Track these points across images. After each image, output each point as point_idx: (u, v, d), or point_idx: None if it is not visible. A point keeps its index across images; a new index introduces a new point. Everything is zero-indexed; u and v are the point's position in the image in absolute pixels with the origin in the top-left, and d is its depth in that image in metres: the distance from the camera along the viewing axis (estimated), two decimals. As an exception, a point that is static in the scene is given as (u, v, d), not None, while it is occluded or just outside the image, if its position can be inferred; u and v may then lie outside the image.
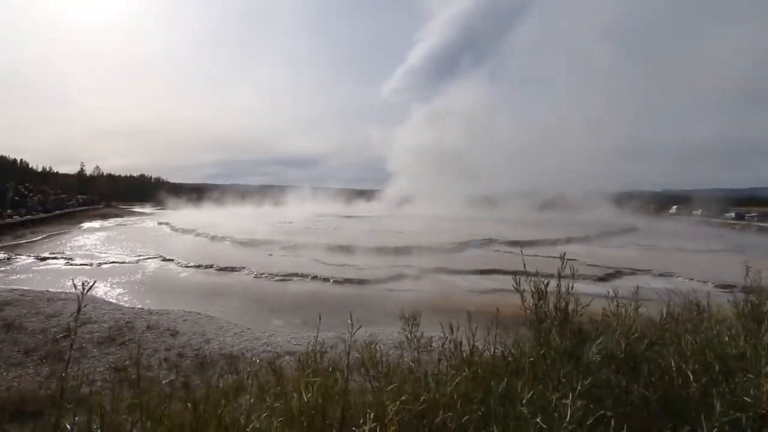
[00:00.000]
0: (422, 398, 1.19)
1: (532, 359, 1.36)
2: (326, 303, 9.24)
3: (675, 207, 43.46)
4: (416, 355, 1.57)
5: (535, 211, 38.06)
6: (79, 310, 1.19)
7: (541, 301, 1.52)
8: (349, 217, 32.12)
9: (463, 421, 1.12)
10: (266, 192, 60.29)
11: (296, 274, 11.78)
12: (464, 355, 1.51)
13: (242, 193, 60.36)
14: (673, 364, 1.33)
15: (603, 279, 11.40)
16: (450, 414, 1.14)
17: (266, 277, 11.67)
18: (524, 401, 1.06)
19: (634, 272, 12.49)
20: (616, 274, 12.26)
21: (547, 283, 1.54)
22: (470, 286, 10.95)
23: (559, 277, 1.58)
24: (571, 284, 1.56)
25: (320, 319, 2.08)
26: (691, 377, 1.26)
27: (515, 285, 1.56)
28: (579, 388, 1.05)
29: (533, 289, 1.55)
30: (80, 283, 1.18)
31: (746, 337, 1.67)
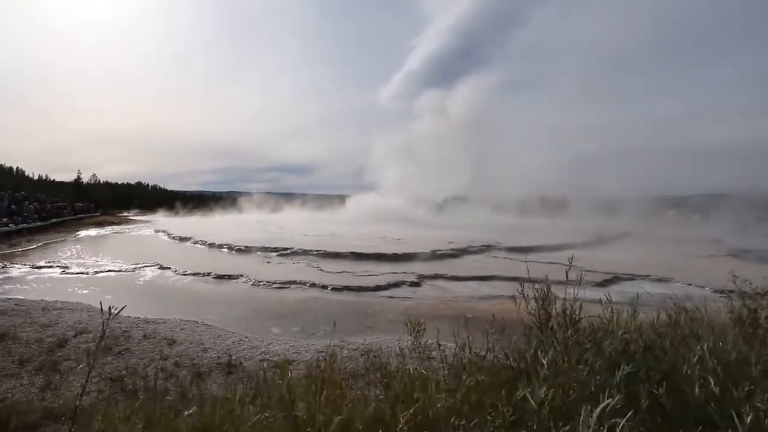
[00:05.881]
0: (437, 406, 1.18)
1: (546, 365, 1.35)
2: (325, 311, 9.19)
3: (672, 212, 43.63)
4: (420, 362, 1.57)
5: (532, 216, 38.09)
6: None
7: (544, 307, 1.54)
8: (347, 222, 32.07)
9: (473, 427, 1.12)
10: (264, 199, 60.17)
11: (294, 282, 11.72)
12: (466, 361, 1.51)
13: (240, 200, 60.24)
14: (686, 369, 1.34)
15: (601, 285, 11.40)
16: (463, 422, 1.13)
17: (264, 284, 11.60)
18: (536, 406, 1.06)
19: (632, 278, 12.51)
20: (614, 279, 12.27)
21: (548, 289, 1.56)
22: (469, 292, 10.93)
23: (567, 282, 1.60)
24: (575, 290, 1.57)
25: (335, 325, 2.08)
26: (698, 382, 1.26)
27: (520, 291, 1.57)
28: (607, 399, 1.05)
29: (536, 295, 1.56)
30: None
31: (744, 342, 1.68)
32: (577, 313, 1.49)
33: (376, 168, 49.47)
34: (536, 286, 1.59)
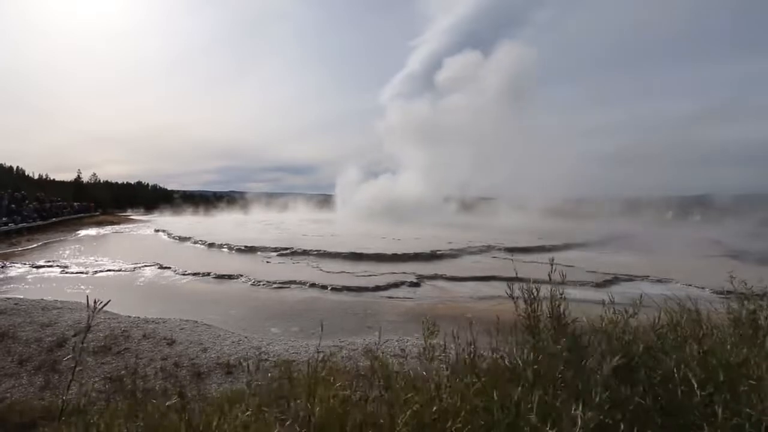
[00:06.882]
0: (433, 408, 1.18)
1: (535, 366, 1.35)
2: (324, 311, 9.20)
3: (677, 212, 43.50)
4: (421, 363, 1.57)
5: (550, 218, 37.72)
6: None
7: (534, 307, 1.54)
8: (347, 221, 32.04)
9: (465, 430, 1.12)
10: (265, 199, 60.12)
11: (294, 282, 11.72)
12: (465, 362, 1.51)
13: (241, 200, 60.19)
14: (676, 371, 1.33)
15: (601, 285, 11.40)
16: (459, 425, 1.13)
17: (263, 284, 11.60)
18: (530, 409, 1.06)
19: (631, 278, 12.51)
20: (614, 280, 12.27)
21: (538, 289, 1.56)
22: (469, 292, 10.92)
23: (550, 281, 1.60)
24: (562, 289, 1.58)
25: (341, 326, 2.07)
26: (695, 384, 1.26)
27: (508, 291, 1.57)
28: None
29: (525, 296, 1.56)
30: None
31: (744, 343, 1.68)
32: (564, 314, 1.49)
33: (383, 158, 47.44)
34: (525, 286, 1.59)
